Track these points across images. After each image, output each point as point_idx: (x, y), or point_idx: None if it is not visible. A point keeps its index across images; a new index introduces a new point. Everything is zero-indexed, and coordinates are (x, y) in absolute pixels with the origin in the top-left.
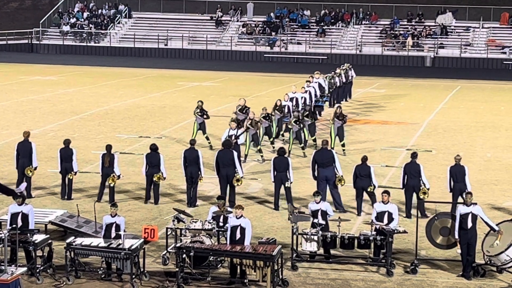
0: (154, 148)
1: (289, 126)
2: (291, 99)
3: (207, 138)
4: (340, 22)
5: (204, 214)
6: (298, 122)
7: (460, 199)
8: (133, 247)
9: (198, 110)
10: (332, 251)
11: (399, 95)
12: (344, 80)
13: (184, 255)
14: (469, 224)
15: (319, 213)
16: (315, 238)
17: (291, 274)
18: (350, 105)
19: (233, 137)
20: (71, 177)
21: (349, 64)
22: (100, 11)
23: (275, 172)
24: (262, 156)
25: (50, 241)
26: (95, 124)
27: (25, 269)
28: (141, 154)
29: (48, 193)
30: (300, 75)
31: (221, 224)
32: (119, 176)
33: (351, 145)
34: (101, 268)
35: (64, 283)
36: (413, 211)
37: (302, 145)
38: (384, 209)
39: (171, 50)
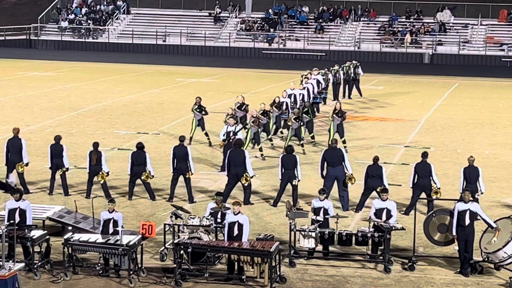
0: (140, 146)
1: (289, 123)
2: (290, 96)
3: (206, 135)
4: (338, 18)
5: (202, 210)
6: (297, 120)
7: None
8: (131, 243)
9: (197, 107)
10: (330, 248)
11: (397, 92)
12: (353, 77)
13: (182, 251)
14: (467, 221)
15: (321, 210)
16: (313, 234)
17: (288, 271)
18: (348, 101)
19: (231, 134)
20: (61, 173)
21: (357, 62)
22: (98, 7)
23: (283, 170)
24: (262, 154)
25: (47, 237)
26: (93, 120)
27: (22, 264)
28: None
29: (46, 188)
30: (298, 72)
31: (219, 220)
32: (108, 173)
33: (349, 142)
34: (99, 264)
35: (62, 278)
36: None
37: (302, 142)
38: (383, 206)
39: (170, 46)
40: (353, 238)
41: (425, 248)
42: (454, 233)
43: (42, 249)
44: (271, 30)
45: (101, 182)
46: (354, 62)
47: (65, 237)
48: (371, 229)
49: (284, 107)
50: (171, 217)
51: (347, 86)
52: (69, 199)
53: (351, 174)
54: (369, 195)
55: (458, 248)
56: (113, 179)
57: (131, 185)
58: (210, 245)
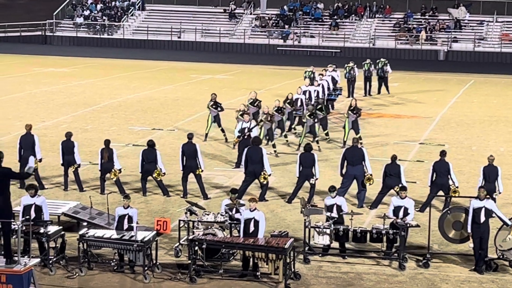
0: (151, 144)
1: (304, 120)
2: (304, 92)
3: (223, 131)
4: (353, 15)
5: (217, 206)
6: (312, 116)
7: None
8: (145, 239)
9: (212, 103)
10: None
11: (412, 89)
12: (381, 74)
13: (196, 248)
14: (482, 219)
15: (334, 207)
16: (327, 231)
17: (303, 267)
18: (363, 98)
19: (246, 130)
20: (73, 170)
21: (386, 60)
22: (113, 3)
23: (301, 168)
24: (275, 150)
25: (63, 232)
26: (108, 116)
27: (38, 260)
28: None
29: (61, 184)
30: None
31: (233, 217)
32: (120, 170)
33: (364, 139)
34: (114, 260)
35: (77, 274)
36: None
37: (317, 139)
38: (401, 203)
39: (184, 43)
40: (368, 235)
41: (440, 245)
42: (469, 230)
43: (57, 245)
44: (286, 26)
45: (114, 179)
46: (382, 59)
47: (80, 232)
48: (386, 226)
49: (299, 103)
50: (185, 213)
51: (367, 83)
52: (84, 195)
53: (370, 175)
54: (387, 193)
55: (473, 246)
56: (127, 175)
57: (143, 182)
58: (224, 241)
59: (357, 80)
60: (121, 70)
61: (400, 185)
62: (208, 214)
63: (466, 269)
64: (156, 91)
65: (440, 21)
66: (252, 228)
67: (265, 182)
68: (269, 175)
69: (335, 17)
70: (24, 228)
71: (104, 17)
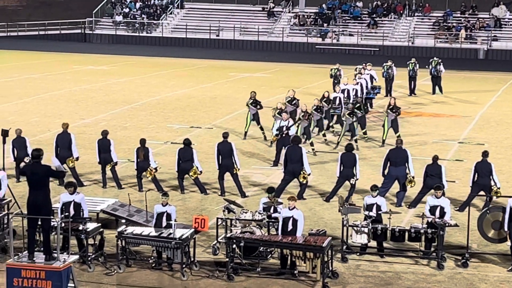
0: (187, 142)
1: (343, 119)
2: (343, 91)
3: (261, 129)
4: (392, 13)
5: (255, 204)
6: (351, 115)
7: None
8: (183, 237)
9: (252, 101)
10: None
11: (451, 88)
12: (435, 74)
13: (234, 245)
14: None
15: (374, 206)
16: (366, 230)
17: (341, 266)
18: (399, 95)
19: (284, 128)
20: (110, 167)
21: (439, 59)
22: (152, 1)
23: (342, 168)
24: (313, 149)
25: (101, 229)
26: (147, 114)
27: (77, 257)
28: (193, 144)
29: (100, 181)
30: (351, 67)
31: (271, 215)
32: (156, 169)
33: (403, 137)
34: (152, 257)
35: (115, 271)
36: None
37: (355, 138)
38: (437, 203)
39: (223, 41)
40: (406, 234)
41: (479, 245)
42: (506, 229)
43: (96, 242)
44: (325, 25)
45: (149, 178)
46: (435, 59)
47: (119, 230)
48: (424, 225)
49: (337, 102)
50: (223, 211)
51: (412, 82)
52: (122, 192)
53: (412, 177)
54: (426, 193)
55: (511, 244)
56: (165, 172)
57: (180, 181)
58: (262, 239)
59: (395, 79)
60: (160, 68)
61: (435, 185)
62: (246, 212)
63: (505, 269)
64: (195, 89)
65: (480, 19)
66: (290, 227)
67: (304, 182)
68: (309, 174)
69: (374, 15)
70: (63, 225)
71: (143, 15)
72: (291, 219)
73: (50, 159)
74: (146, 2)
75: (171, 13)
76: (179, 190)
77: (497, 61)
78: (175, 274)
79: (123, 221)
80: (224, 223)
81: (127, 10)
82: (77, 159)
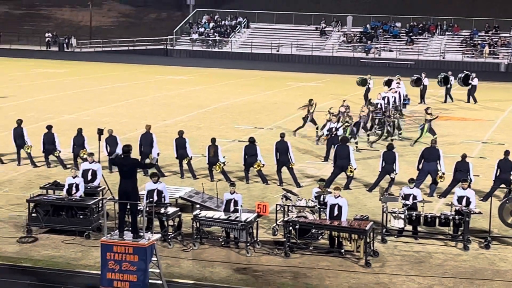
0: (252, 140)
1: (385, 122)
2: (383, 98)
3: (317, 129)
4: (426, 32)
5: (308, 193)
6: (390, 119)
7: None
8: (248, 220)
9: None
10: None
11: (476, 96)
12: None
13: (290, 228)
14: None
15: (411, 197)
16: (402, 216)
17: (381, 246)
18: (431, 102)
19: (333, 129)
20: (186, 162)
21: (474, 74)
22: (223, 22)
23: (384, 163)
24: (357, 147)
25: (179, 213)
26: (218, 116)
27: (159, 235)
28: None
29: (178, 173)
30: (391, 78)
31: (322, 202)
32: (224, 163)
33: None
34: (221, 237)
35: (191, 248)
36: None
37: (393, 138)
38: (463, 194)
39: (282, 55)
40: (437, 220)
41: (500, 230)
42: None
43: (175, 223)
44: (368, 42)
45: (219, 171)
46: (473, 74)
47: (194, 213)
48: (453, 213)
49: (378, 107)
50: (281, 198)
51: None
52: (197, 182)
53: (443, 173)
54: (455, 185)
55: None
56: (233, 165)
57: (246, 173)
58: (314, 223)
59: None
60: (229, 78)
61: (462, 178)
62: (300, 200)
63: None
64: (258, 96)
65: (501, 37)
66: (336, 212)
67: (351, 175)
68: (355, 169)
69: (411, 34)
70: (148, 209)
71: (215, 34)
72: (337, 205)
73: (136, 155)
74: (218, 23)
75: (239, 32)
76: (244, 181)
77: None
78: (241, 251)
79: (198, 206)
80: (282, 209)
81: (202, 29)
82: (158, 155)
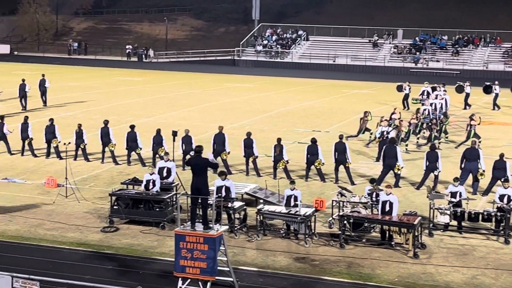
0: (313, 141)
1: (433, 127)
2: (431, 104)
3: (371, 134)
4: (471, 44)
5: (361, 191)
6: (437, 123)
7: None
8: (307, 214)
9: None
10: (462, 223)
11: None
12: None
13: (345, 221)
14: None
15: (457, 194)
16: (448, 212)
17: (428, 239)
18: (475, 108)
19: (385, 133)
20: (252, 160)
21: (496, 82)
22: (285, 35)
23: (427, 163)
24: (406, 149)
25: (245, 207)
26: (279, 120)
27: (226, 227)
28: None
29: (244, 171)
30: (434, 85)
31: (373, 199)
32: (287, 161)
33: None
34: (283, 229)
35: (255, 239)
36: None
37: (440, 141)
38: (505, 192)
39: (338, 65)
40: (480, 216)
41: None
42: None
43: (241, 216)
44: (417, 53)
45: (282, 168)
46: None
47: (258, 207)
48: (495, 210)
49: (426, 113)
50: (337, 195)
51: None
52: (260, 179)
53: (483, 171)
54: (495, 183)
55: None
56: (293, 165)
57: (307, 170)
58: (367, 217)
59: (471, 95)
60: (290, 86)
61: (504, 178)
62: (354, 196)
63: None
64: (316, 102)
65: None
66: (387, 208)
67: (399, 173)
68: (402, 167)
69: (456, 46)
70: (216, 203)
71: (278, 46)
72: (388, 202)
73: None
74: (280, 36)
75: (299, 44)
76: (304, 178)
77: None
78: (300, 242)
79: (261, 201)
80: (337, 204)
81: (266, 41)
82: (228, 153)
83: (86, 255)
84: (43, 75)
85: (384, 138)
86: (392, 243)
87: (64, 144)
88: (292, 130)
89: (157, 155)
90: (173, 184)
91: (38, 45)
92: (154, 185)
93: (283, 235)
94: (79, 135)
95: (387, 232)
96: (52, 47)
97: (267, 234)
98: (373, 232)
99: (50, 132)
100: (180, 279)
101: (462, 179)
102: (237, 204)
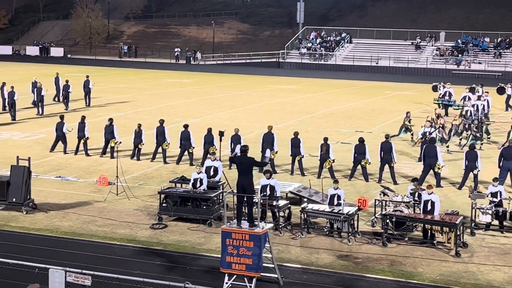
0: (361, 140)
1: (474, 129)
2: (473, 106)
3: (412, 134)
4: None
5: (404, 190)
6: (480, 124)
7: None
8: (350, 213)
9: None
10: (504, 223)
11: None
12: None
13: (388, 220)
14: None
15: (498, 194)
16: (490, 211)
17: (470, 239)
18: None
19: (427, 134)
20: (298, 159)
21: (509, 84)
22: (329, 37)
23: (467, 162)
24: (448, 149)
25: (289, 205)
26: (323, 121)
27: (271, 225)
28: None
29: (289, 170)
30: (473, 86)
31: (416, 198)
32: (333, 160)
33: None
34: (326, 227)
35: (299, 236)
36: None
37: (484, 141)
38: None
39: (381, 67)
40: None
41: None
42: None
43: (285, 214)
44: (459, 55)
45: (328, 167)
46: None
47: (302, 206)
48: None
49: (468, 114)
50: (380, 194)
51: None
52: (304, 179)
53: None
54: None
55: None
56: (337, 164)
57: (354, 169)
58: (409, 216)
59: None
60: (333, 87)
61: None
62: (397, 196)
63: None
64: (359, 103)
65: None
66: (429, 207)
67: (439, 171)
68: (442, 166)
69: (498, 48)
70: (262, 201)
71: (321, 48)
72: (430, 201)
73: (252, 153)
74: (324, 38)
75: (342, 46)
76: (348, 178)
77: None
78: (343, 240)
79: (305, 200)
80: (380, 203)
81: (310, 44)
82: (276, 152)
83: (135, 251)
84: (87, 76)
85: (426, 139)
86: (434, 242)
87: (115, 143)
88: (336, 131)
89: (208, 154)
90: (220, 183)
91: (90, 48)
92: (201, 183)
93: (327, 233)
94: (138, 134)
95: (429, 231)
96: (103, 50)
97: (311, 232)
98: (415, 231)
99: (109, 132)
100: (226, 275)
101: (501, 178)
102: (281, 202)
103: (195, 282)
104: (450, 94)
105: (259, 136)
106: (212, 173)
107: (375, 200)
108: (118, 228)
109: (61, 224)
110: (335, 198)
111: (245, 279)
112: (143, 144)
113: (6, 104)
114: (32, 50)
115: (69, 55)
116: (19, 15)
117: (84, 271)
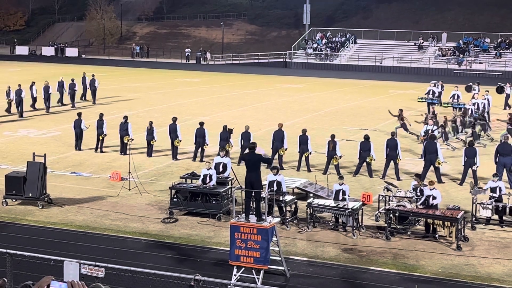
0: (366, 137)
1: (476, 125)
2: (474, 104)
3: (411, 133)
4: None
5: (407, 186)
6: (481, 122)
7: None
8: (354, 207)
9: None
10: (504, 217)
11: None
12: None
13: (391, 215)
14: None
15: (497, 189)
16: (490, 206)
17: (470, 233)
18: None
19: (429, 131)
20: (306, 156)
21: (508, 83)
22: (334, 38)
23: (466, 158)
24: (450, 145)
25: (296, 200)
26: (328, 119)
27: (278, 219)
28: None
29: (295, 167)
30: (482, 87)
31: (418, 193)
32: (340, 157)
33: None
34: (331, 221)
35: (305, 230)
36: None
37: (483, 139)
38: None
39: (384, 67)
40: None
41: None
42: None
43: (292, 209)
44: (461, 55)
45: (335, 163)
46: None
47: (308, 201)
48: None
49: (469, 112)
50: (384, 190)
51: None
52: (310, 175)
53: None
54: None
55: None
56: (342, 161)
57: (359, 166)
58: (412, 211)
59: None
60: (339, 87)
61: None
62: (400, 191)
63: None
64: (363, 101)
65: None
66: (431, 202)
67: (439, 166)
68: (442, 162)
69: (499, 48)
70: (269, 196)
71: (327, 49)
72: (431, 196)
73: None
74: (330, 39)
75: (347, 47)
76: (353, 174)
77: None
78: (348, 234)
79: (311, 195)
80: (384, 199)
81: (316, 45)
82: (286, 149)
83: (147, 244)
84: (93, 75)
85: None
86: (436, 235)
87: (128, 140)
88: (341, 128)
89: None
90: (229, 179)
91: (103, 48)
92: (211, 179)
93: (332, 227)
94: (150, 131)
95: (431, 225)
96: (116, 50)
97: (316, 226)
98: (417, 225)
99: (124, 129)
100: (235, 267)
101: (499, 174)
102: (288, 197)
103: (205, 274)
104: (433, 93)
105: (266, 134)
106: (221, 169)
107: (379, 195)
108: (131, 222)
109: (76, 218)
110: (340, 193)
111: (253, 271)
112: (155, 141)
113: (38, 101)
114: (48, 51)
115: (83, 55)
116: (35, 17)
117: (97, 264)
